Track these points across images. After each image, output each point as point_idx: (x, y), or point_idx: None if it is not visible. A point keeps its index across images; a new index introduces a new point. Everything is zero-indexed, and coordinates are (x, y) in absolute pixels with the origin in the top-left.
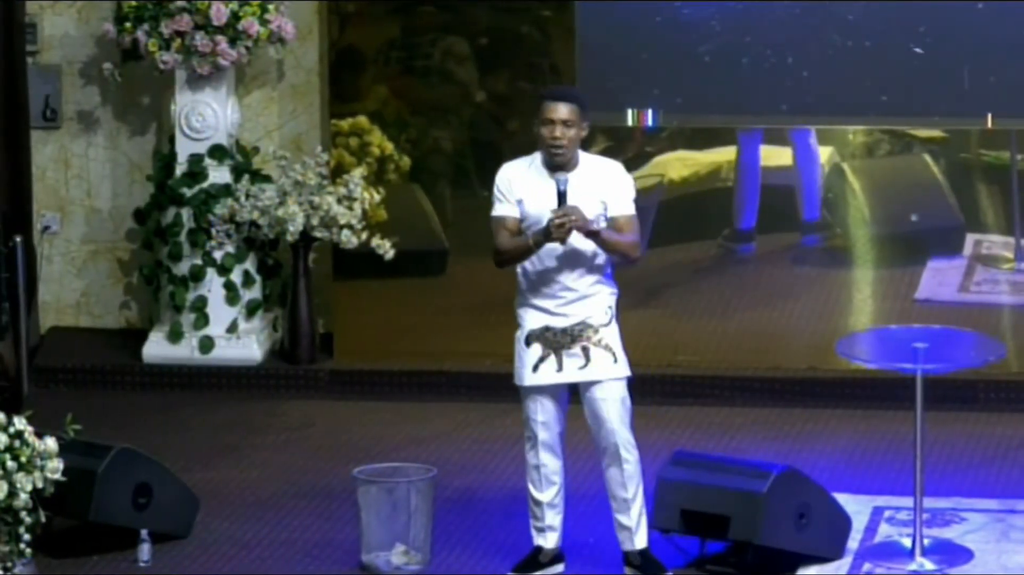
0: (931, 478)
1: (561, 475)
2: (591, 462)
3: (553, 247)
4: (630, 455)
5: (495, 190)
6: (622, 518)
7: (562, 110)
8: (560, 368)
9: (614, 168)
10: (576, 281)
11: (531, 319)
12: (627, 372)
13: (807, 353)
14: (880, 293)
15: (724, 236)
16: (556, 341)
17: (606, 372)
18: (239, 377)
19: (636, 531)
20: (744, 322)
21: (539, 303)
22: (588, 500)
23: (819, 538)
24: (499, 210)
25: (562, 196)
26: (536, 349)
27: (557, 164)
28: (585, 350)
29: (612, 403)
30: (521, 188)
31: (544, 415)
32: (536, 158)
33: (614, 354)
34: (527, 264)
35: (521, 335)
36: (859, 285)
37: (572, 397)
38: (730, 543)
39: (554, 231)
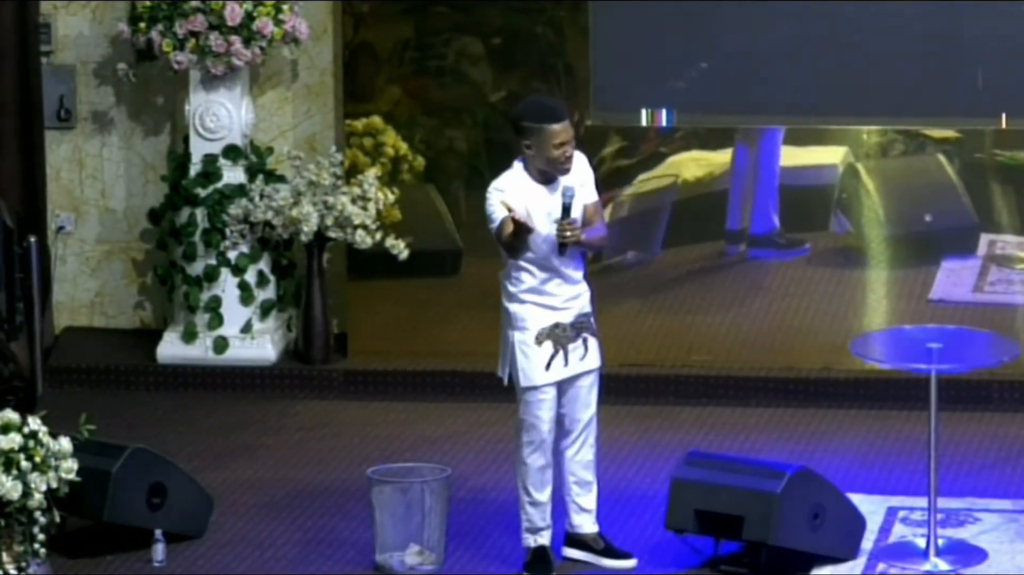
0: (945, 478)
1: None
2: None
3: (554, 246)
4: (595, 438)
5: (491, 202)
6: (585, 502)
7: (568, 130)
8: (567, 363)
9: (582, 160)
10: (575, 272)
11: (537, 318)
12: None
13: (821, 353)
14: (894, 293)
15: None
16: (565, 336)
17: (596, 360)
18: (253, 377)
19: (594, 513)
20: (758, 322)
21: (544, 301)
22: None
23: (833, 538)
24: (500, 212)
25: (567, 208)
26: (547, 347)
27: (557, 175)
28: (584, 341)
29: (594, 389)
30: (521, 201)
31: (548, 416)
32: (518, 168)
33: (599, 341)
34: (530, 265)
35: (527, 336)
36: (873, 285)
37: None
38: (744, 543)
39: (559, 238)
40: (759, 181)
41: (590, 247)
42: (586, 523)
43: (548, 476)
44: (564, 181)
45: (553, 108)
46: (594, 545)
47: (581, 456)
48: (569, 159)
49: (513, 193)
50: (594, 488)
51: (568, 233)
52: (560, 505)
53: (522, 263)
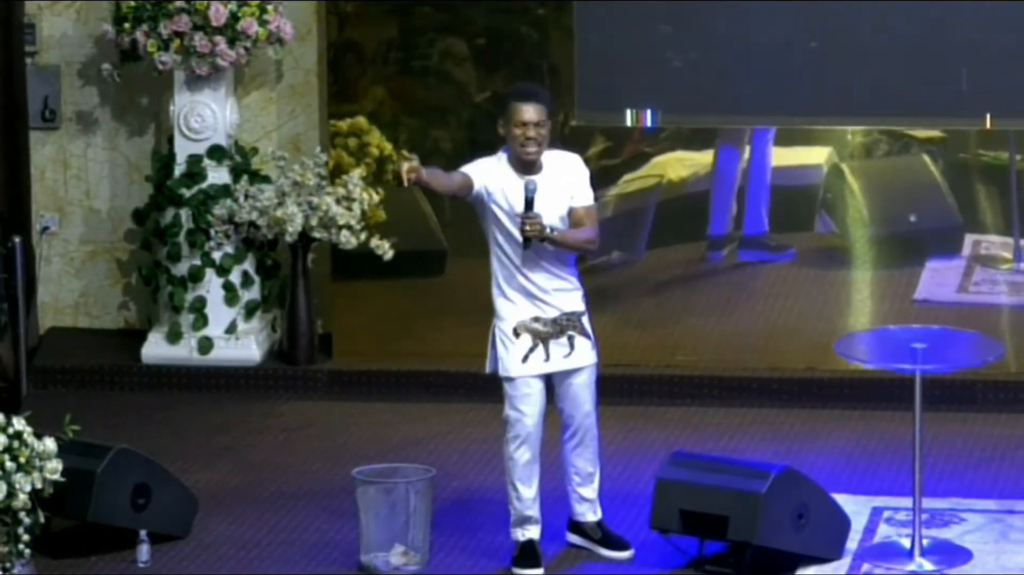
0: (930, 478)
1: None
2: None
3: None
4: (597, 433)
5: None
6: (586, 492)
7: (534, 111)
8: (548, 358)
9: (575, 161)
10: (559, 268)
11: (517, 310)
12: (597, 355)
13: (806, 353)
14: (879, 293)
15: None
16: (545, 331)
17: (587, 359)
18: (238, 378)
19: (596, 503)
20: (743, 322)
21: (523, 291)
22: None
23: (818, 538)
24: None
25: (530, 202)
26: (525, 339)
27: (527, 164)
28: (571, 339)
29: (589, 388)
30: (494, 183)
31: (532, 411)
32: (502, 157)
33: (591, 340)
34: (509, 256)
35: (506, 326)
36: (858, 285)
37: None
38: (729, 543)
39: (520, 231)
40: (751, 183)
41: (564, 245)
42: (587, 512)
43: (535, 471)
44: (545, 176)
45: (526, 89)
46: (592, 534)
47: (581, 450)
48: (529, 142)
49: (490, 171)
50: (596, 479)
51: (528, 227)
52: (563, 493)
53: (499, 254)
